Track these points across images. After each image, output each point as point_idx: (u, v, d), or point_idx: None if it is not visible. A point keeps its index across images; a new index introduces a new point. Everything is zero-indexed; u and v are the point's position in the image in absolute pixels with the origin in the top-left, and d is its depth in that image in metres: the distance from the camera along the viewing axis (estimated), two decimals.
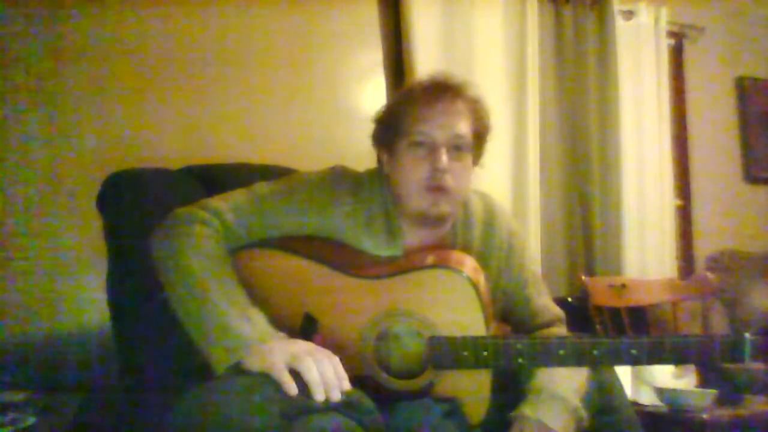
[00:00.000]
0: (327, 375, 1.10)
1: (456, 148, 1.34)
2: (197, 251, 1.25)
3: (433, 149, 1.33)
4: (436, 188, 1.32)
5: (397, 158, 1.37)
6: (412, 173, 1.33)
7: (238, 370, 1.14)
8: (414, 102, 1.37)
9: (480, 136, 1.40)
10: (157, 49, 2.25)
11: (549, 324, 1.47)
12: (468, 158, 1.37)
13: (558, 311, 1.51)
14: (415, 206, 1.34)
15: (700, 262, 3.34)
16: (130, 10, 2.21)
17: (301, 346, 1.16)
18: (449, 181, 1.32)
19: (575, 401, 1.29)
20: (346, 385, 1.12)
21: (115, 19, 2.19)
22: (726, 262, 3.17)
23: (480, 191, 1.53)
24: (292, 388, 1.08)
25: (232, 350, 1.15)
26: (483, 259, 1.40)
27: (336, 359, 1.14)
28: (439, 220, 1.37)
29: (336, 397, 1.09)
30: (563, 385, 1.29)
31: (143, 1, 2.24)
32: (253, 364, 1.13)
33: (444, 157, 1.32)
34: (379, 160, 1.45)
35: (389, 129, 1.40)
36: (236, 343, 1.15)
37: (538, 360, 1.25)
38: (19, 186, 2.03)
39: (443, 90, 1.37)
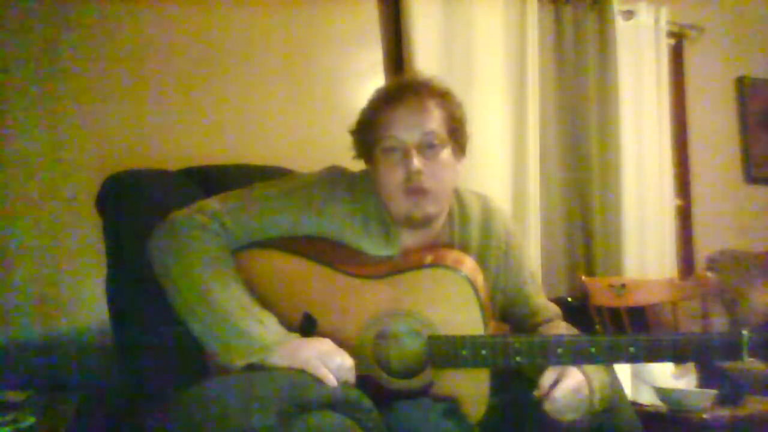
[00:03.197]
0: (342, 379, 1.18)
1: (429, 147, 1.33)
2: (202, 258, 1.26)
3: (405, 152, 1.32)
4: (415, 191, 1.32)
5: (375, 166, 1.37)
6: (389, 179, 1.33)
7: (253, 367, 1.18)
8: (381, 108, 1.37)
9: (455, 128, 1.38)
10: (157, 49, 2.25)
11: (548, 321, 1.48)
12: (445, 153, 1.36)
13: (555, 308, 1.51)
14: (398, 211, 1.34)
15: (700, 262, 3.35)
16: (129, 10, 2.21)
17: (328, 345, 1.21)
18: (426, 181, 1.32)
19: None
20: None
21: (115, 19, 2.19)
22: (726, 262, 3.17)
23: (476, 191, 1.53)
24: (332, 381, 1.15)
25: (250, 352, 1.18)
26: (481, 259, 1.40)
27: (351, 363, 1.20)
28: (425, 221, 1.36)
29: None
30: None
31: (143, 1, 2.24)
32: (281, 362, 1.17)
33: (416, 159, 1.31)
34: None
35: (364, 139, 1.40)
36: (253, 345, 1.18)
37: (537, 358, 1.25)
38: (19, 186, 2.03)
39: (406, 91, 1.36)
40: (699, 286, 2.65)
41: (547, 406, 1.23)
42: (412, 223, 1.35)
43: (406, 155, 1.32)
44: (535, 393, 1.24)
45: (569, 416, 1.26)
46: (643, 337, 1.22)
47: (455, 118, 1.39)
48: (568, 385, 1.24)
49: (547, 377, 1.26)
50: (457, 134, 1.39)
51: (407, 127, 1.33)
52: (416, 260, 1.32)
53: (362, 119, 1.41)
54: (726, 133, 3.60)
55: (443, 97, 1.38)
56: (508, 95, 2.81)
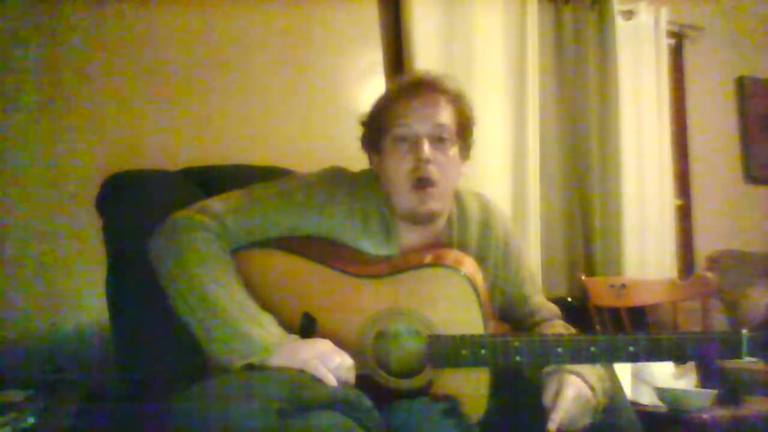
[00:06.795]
0: (341, 379, 1.17)
1: (439, 140, 1.35)
2: (203, 259, 1.26)
3: (415, 142, 1.34)
4: (422, 183, 1.32)
5: (384, 156, 1.38)
6: (398, 168, 1.34)
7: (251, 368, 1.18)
8: (394, 99, 1.38)
9: (464, 128, 1.41)
10: (157, 50, 2.25)
11: (547, 321, 1.48)
12: (453, 150, 1.38)
13: (554, 308, 1.52)
14: (404, 204, 1.35)
15: (700, 262, 3.35)
16: (129, 10, 2.21)
17: (327, 345, 1.21)
18: (434, 172, 1.33)
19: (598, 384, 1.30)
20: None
21: (115, 20, 2.19)
22: (726, 262, 3.17)
23: (475, 191, 1.53)
24: (332, 381, 1.15)
25: (249, 354, 1.18)
26: (480, 259, 1.41)
27: (350, 363, 1.20)
28: (429, 218, 1.37)
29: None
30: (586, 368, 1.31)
31: (143, 2, 2.24)
32: (280, 363, 1.17)
33: (426, 147, 1.32)
34: (371, 162, 1.46)
35: (374, 129, 1.41)
36: (252, 346, 1.18)
37: (537, 358, 1.25)
38: (19, 186, 2.03)
39: (421, 85, 1.38)
40: (699, 286, 2.65)
41: (558, 421, 1.23)
42: (417, 218, 1.36)
43: (416, 144, 1.33)
44: (550, 427, 1.23)
45: (582, 422, 1.26)
46: (643, 336, 1.22)
47: (466, 117, 1.41)
48: (571, 393, 1.25)
49: (548, 394, 1.27)
50: (465, 134, 1.41)
51: (420, 118, 1.34)
52: (416, 260, 1.32)
53: (375, 109, 1.42)
54: (726, 133, 3.61)
55: (457, 95, 1.40)
56: (508, 95, 2.82)
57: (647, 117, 3.08)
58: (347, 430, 1.08)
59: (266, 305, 1.27)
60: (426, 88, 1.37)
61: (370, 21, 2.68)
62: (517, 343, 1.24)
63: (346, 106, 2.54)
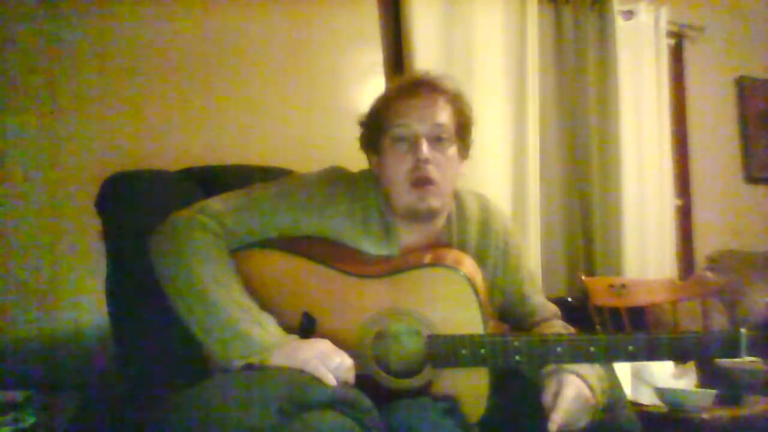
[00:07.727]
0: (341, 379, 1.18)
1: (438, 140, 1.35)
2: (202, 259, 1.26)
3: (414, 141, 1.34)
4: (421, 181, 1.33)
5: (383, 156, 1.38)
6: (397, 168, 1.34)
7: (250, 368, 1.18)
8: (393, 99, 1.39)
9: (463, 128, 1.41)
10: (157, 50, 2.25)
11: (546, 321, 1.48)
12: (451, 150, 1.38)
13: (554, 308, 1.52)
14: (404, 203, 1.35)
15: (700, 262, 3.35)
16: (129, 10, 2.21)
17: (327, 345, 1.22)
18: (433, 172, 1.33)
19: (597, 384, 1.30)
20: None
21: (115, 19, 2.19)
22: (726, 262, 3.17)
23: (475, 191, 1.53)
24: (332, 381, 1.15)
25: (249, 353, 1.18)
26: (480, 258, 1.41)
27: (350, 363, 1.20)
28: (429, 215, 1.37)
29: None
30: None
31: (143, 1, 2.24)
32: (280, 363, 1.18)
33: (425, 148, 1.33)
34: (370, 162, 1.46)
35: (373, 129, 1.41)
36: (252, 346, 1.19)
37: (536, 357, 1.25)
38: (19, 187, 2.03)
39: (420, 84, 1.38)
40: (699, 286, 2.65)
41: (558, 421, 1.23)
42: (416, 216, 1.36)
43: (415, 144, 1.33)
44: (550, 427, 1.23)
45: (582, 422, 1.26)
46: (642, 336, 1.22)
47: (464, 117, 1.41)
48: (570, 393, 1.24)
49: (548, 393, 1.27)
50: (463, 134, 1.42)
51: (419, 117, 1.35)
52: (416, 260, 1.32)
53: (374, 109, 1.42)
54: (726, 133, 3.61)
55: (456, 95, 1.40)
56: (508, 95, 2.82)
57: (647, 117, 3.08)
58: (347, 430, 1.08)
59: (266, 305, 1.27)
60: (425, 88, 1.37)
61: (370, 21, 2.68)
62: (516, 343, 1.24)
63: (346, 106, 2.54)
